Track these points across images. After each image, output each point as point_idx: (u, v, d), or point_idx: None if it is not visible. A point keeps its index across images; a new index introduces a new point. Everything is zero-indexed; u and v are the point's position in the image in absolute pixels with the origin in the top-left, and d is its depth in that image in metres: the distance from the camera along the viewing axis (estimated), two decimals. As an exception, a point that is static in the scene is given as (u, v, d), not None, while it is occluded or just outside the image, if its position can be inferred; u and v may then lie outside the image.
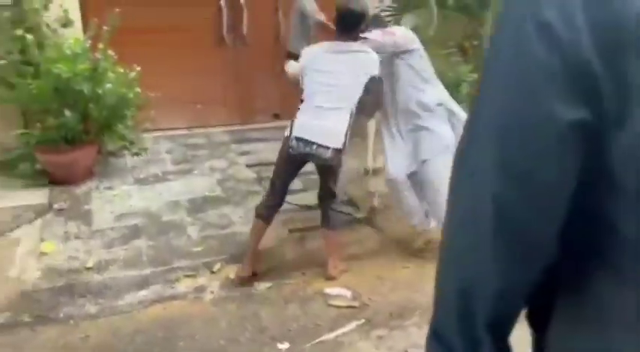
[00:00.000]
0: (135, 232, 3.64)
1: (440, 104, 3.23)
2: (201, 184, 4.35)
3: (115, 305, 2.98)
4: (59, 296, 3.03)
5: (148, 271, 3.25)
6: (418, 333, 2.68)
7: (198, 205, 4.02)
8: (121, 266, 3.29)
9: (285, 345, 2.61)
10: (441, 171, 3.02)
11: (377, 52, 3.04)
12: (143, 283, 3.15)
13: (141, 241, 3.54)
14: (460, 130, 0.73)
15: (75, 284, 3.13)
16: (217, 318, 2.86)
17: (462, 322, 0.66)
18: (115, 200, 4.03)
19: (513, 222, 0.61)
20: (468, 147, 0.65)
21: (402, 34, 3.26)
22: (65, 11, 4.33)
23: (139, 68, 4.30)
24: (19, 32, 4.02)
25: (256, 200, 3.53)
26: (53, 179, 4.16)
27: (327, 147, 2.93)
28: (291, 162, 3.07)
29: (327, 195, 3.19)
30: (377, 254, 3.48)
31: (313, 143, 2.92)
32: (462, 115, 3.22)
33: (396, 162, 3.32)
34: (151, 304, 2.98)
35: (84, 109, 4.07)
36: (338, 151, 2.96)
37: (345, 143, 2.97)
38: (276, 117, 5.75)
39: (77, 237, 3.56)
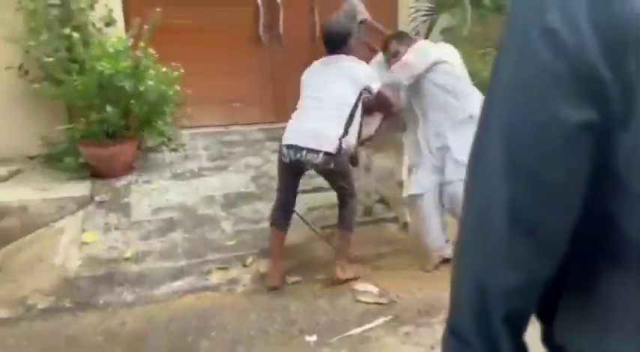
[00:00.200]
0: (171, 225, 3.76)
1: (471, 116, 3.02)
2: (235, 180, 4.44)
3: (150, 294, 3.10)
4: (99, 284, 3.17)
5: (182, 263, 3.36)
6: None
7: (232, 200, 4.12)
8: (157, 258, 3.41)
9: (313, 338, 2.67)
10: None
11: (396, 85, 3.24)
12: (178, 274, 3.26)
13: (176, 234, 3.66)
14: None
15: (114, 273, 3.26)
16: (248, 310, 2.94)
17: (479, 320, 0.68)
18: (152, 194, 4.17)
19: (527, 222, 0.63)
20: (480, 150, 0.67)
21: (416, 59, 3.16)
22: (110, 10, 4.50)
23: (182, 70, 4.41)
24: (67, 31, 4.19)
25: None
26: (95, 172, 4.32)
27: (317, 152, 2.93)
28: (286, 169, 3.12)
29: (342, 195, 3.16)
30: (406, 252, 3.50)
31: (302, 149, 2.95)
32: None
33: (423, 177, 3.25)
34: (185, 294, 3.09)
35: (125, 105, 4.22)
36: (330, 155, 2.93)
37: (340, 147, 2.94)
38: (311, 115, 5.81)
39: (116, 229, 3.71)
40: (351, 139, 3.05)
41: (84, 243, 3.54)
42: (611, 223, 0.62)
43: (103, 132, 4.21)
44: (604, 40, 0.56)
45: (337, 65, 3.13)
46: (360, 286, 3.11)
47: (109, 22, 4.50)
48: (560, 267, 0.66)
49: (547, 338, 0.74)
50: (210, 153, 4.99)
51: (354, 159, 3.23)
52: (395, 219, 3.90)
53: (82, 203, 3.97)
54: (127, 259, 3.38)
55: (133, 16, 4.58)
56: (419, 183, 3.27)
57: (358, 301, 3.00)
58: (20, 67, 4.43)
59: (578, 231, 0.64)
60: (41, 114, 4.54)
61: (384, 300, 3.00)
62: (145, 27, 4.28)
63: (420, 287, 3.13)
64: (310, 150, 2.95)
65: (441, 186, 3.19)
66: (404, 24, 5.44)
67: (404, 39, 3.39)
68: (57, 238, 3.60)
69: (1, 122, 4.54)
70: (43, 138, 4.50)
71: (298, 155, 2.97)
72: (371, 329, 2.76)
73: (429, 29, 5.17)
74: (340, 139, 2.96)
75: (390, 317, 2.86)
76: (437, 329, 2.73)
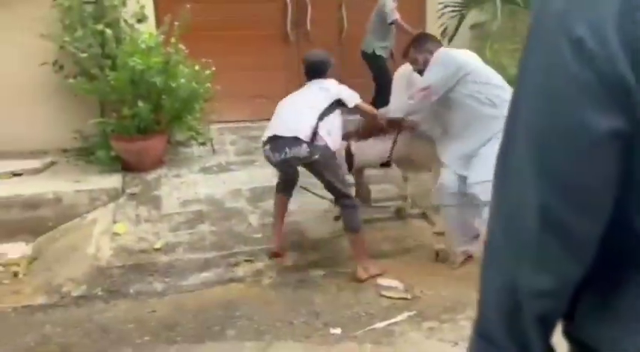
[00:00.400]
0: (199, 217, 3.84)
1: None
2: (262, 175, 4.49)
3: (179, 284, 3.17)
4: (130, 273, 3.27)
5: (210, 254, 3.43)
6: (470, 327, 2.70)
7: (258, 194, 4.18)
8: (186, 249, 3.49)
9: (337, 330, 2.70)
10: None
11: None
12: (206, 265, 3.33)
13: (205, 226, 3.74)
14: None
15: (144, 263, 3.35)
16: (273, 301, 2.99)
17: (510, 323, 0.69)
18: (182, 187, 4.25)
19: (557, 225, 0.64)
20: (509, 154, 0.68)
21: (437, 81, 3.05)
22: (141, 7, 4.60)
23: (213, 67, 4.48)
24: (100, 27, 4.30)
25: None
26: (126, 165, 4.43)
27: (298, 142, 3.03)
28: (279, 169, 3.31)
29: (337, 197, 3.20)
30: (431, 248, 3.51)
31: (284, 146, 3.06)
32: None
33: (449, 172, 3.17)
34: (212, 285, 3.16)
35: (156, 101, 4.31)
36: (311, 145, 3.03)
37: (315, 136, 3.04)
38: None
39: (147, 220, 3.80)
40: (329, 138, 3.11)
41: (115, 234, 3.64)
42: (633, 230, 0.64)
43: (135, 126, 4.31)
44: (630, 50, 0.58)
45: (312, 84, 3.31)
46: (384, 281, 3.13)
47: (141, 19, 4.61)
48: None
49: (567, 332, 0.75)
50: (238, 148, 5.06)
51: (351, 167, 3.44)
52: (422, 216, 3.91)
53: (114, 195, 4.08)
54: (156, 250, 3.47)
55: (163, 12, 4.68)
56: (443, 181, 3.22)
57: (382, 296, 3.02)
58: (55, 62, 4.57)
59: (604, 236, 0.65)
60: (75, 108, 4.67)
61: (408, 296, 3.02)
62: (176, 23, 4.36)
63: (445, 284, 3.13)
64: (291, 144, 3.06)
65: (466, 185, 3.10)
66: (432, 20, 5.43)
67: (423, 46, 3.23)
68: (89, 229, 3.71)
69: (36, 116, 4.68)
70: (76, 132, 4.63)
71: (283, 154, 3.09)
72: (395, 323, 2.78)
73: (458, 25, 5.14)
74: (313, 129, 3.05)
75: (415, 312, 2.87)
76: (461, 326, 2.74)
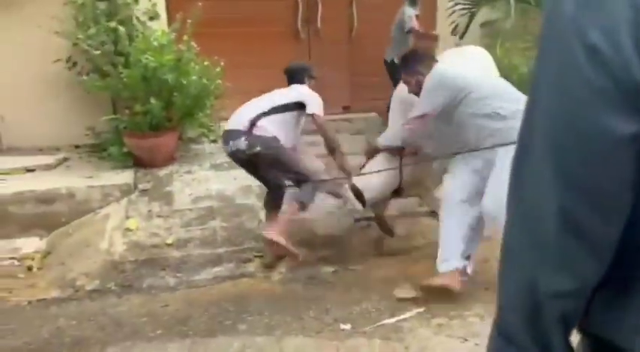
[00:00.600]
0: (211, 213, 3.87)
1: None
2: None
3: (191, 279, 3.22)
4: (142, 268, 3.31)
5: (221, 250, 3.47)
6: (479, 323, 2.72)
7: (269, 191, 4.20)
8: (197, 245, 3.53)
9: (347, 326, 2.73)
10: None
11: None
12: (217, 261, 3.37)
13: (216, 222, 3.77)
14: None
15: (156, 258, 3.40)
16: (284, 297, 3.03)
17: (533, 322, 0.70)
18: (193, 183, 4.29)
19: (578, 227, 0.65)
20: (526, 158, 0.68)
21: (434, 108, 2.86)
22: (154, 4, 4.64)
23: (222, 63, 4.51)
24: (113, 24, 4.35)
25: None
26: (138, 162, 4.48)
27: (238, 134, 3.14)
28: (241, 165, 3.36)
29: (297, 182, 3.28)
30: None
31: (229, 138, 3.18)
32: None
33: (455, 183, 2.97)
34: (223, 280, 3.20)
35: (168, 98, 4.35)
36: (250, 137, 3.11)
37: (252, 126, 3.12)
38: (346, 109, 5.86)
39: (159, 216, 3.84)
40: (280, 132, 3.18)
41: (128, 229, 3.68)
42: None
43: (147, 123, 4.35)
44: None
45: (288, 88, 3.43)
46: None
47: (153, 16, 4.65)
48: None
49: (582, 327, 0.76)
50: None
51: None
52: (431, 214, 3.92)
53: (126, 191, 4.12)
54: (168, 245, 3.51)
55: (175, 10, 4.71)
56: (448, 190, 3.01)
57: (395, 297, 3.01)
58: (68, 59, 4.63)
59: (621, 235, 0.66)
60: (87, 105, 4.72)
61: (419, 294, 3.01)
62: (189, 21, 4.39)
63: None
64: (234, 136, 3.18)
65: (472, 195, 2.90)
66: (442, 18, 5.43)
67: (411, 68, 3.02)
68: (102, 224, 3.76)
69: (49, 112, 4.74)
70: (88, 129, 4.68)
71: (229, 148, 3.22)
72: (404, 319, 2.80)
73: (468, 23, 5.14)
74: (252, 120, 3.15)
75: (424, 308, 2.89)
76: (470, 322, 2.76)
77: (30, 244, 3.69)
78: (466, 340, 2.59)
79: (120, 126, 4.48)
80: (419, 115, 2.91)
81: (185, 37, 4.39)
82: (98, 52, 4.34)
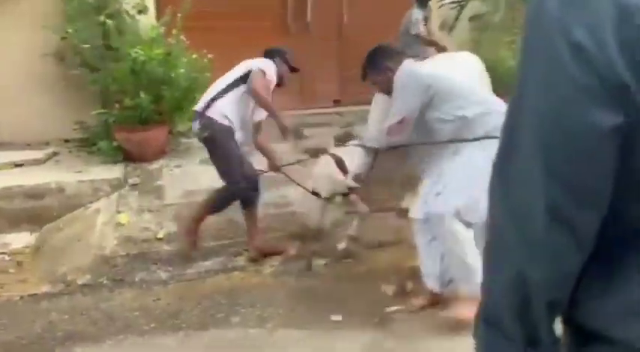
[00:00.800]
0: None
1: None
2: (262, 164, 4.53)
3: (182, 273, 3.24)
4: (133, 262, 3.32)
5: (212, 244, 3.48)
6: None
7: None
8: (188, 239, 3.53)
9: (338, 317, 2.76)
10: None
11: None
12: (208, 254, 3.39)
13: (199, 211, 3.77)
14: None
15: (147, 252, 3.41)
16: (275, 290, 3.05)
17: (521, 312, 0.72)
18: (183, 177, 4.29)
19: (565, 220, 0.68)
20: (513, 158, 0.70)
21: (410, 109, 2.60)
22: (142, -1, 4.62)
23: (210, 55, 4.51)
24: (101, 18, 4.32)
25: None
26: (128, 156, 4.47)
27: (195, 113, 3.16)
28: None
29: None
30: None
31: (193, 119, 3.20)
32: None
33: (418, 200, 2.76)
34: (215, 274, 3.22)
35: (157, 91, 4.34)
36: (203, 119, 3.11)
37: (206, 108, 3.11)
38: (337, 102, 5.88)
39: (149, 210, 3.84)
40: (233, 115, 3.14)
41: (118, 224, 3.68)
42: (629, 217, 0.69)
43: (136, 117, 4.34)
44: (630, 55, 0.61)
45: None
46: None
47: (142, 10, 4.63)
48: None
49: (567, 319, 0.79)
50: (238, 138, 5.08)
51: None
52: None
53: (116, 185, 4.11)
54: (159, 239, 3.52)
55: (164, 3, 4.69)
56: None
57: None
58: (56, 53, 4.59)
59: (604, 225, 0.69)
60: (76, 99, 4.69)
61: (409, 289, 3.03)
62: (178, 15, 4.38)
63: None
64: (194, 117, 3.18)
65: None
66: (432, 11, 5.44)
67: (379, 64, 2.75)
68: (93, 219, 3.75)
69: (37, 107, 4.71)
70: (78, 123, 4.66)
71: (193, 128, 3.23)
72: (395, 311, 2.83)
73: (457, 16, 5.17)
74: (207, 102, 3.14)
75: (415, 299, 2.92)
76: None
77: (20, 239, 3.66)
78: (458, 332, 2.62)
79: (109, 120, 4.46)
80: (398, 121, 2.62)
81: (174, 31, 4.38)
82: (87, 47, 4.31)
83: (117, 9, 4.51)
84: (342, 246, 3.37)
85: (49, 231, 3.72)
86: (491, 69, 3.30)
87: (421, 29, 5.12)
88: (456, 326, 2.60)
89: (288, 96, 5.79)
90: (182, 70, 4.28)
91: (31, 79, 4.68)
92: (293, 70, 3.45)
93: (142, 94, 4.21)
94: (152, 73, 4.21)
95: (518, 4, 4.92)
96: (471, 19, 5.51)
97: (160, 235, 3.55)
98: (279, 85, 3.32)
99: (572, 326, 0.78)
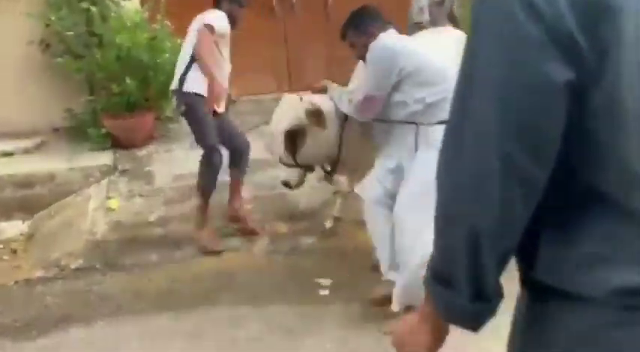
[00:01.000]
0: (191, 191, 3.90)
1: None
2: (251, 148, 4.56)
3: (174, 255, 3.28)
4: (125, 246, 3.36)
5: (203, 226, 3.52)
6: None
7: (248, 168, 4.24)
8: (179, 222, 3.58)
9: (326, 292, 2.83)
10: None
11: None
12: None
13: (196, 200, 3.81)
14: None
15: (139, 236, 3.45)
16: (266, 269, 3.11)
17: (470, 265, 0.76)
18: (172, 162, 4.32)
19: (520, 173, 0.71)
20: (466, 118, 0.74)
21: (380, 86, 2.37)
22: (125, -16, 4.59)
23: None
24: (85, 5, 4.31)
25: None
26: (117, 142, 4.49)
27: (172, 92, 3.26)
28: None
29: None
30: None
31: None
32: None
33: (377, 184, 2.56)
34: (206, 255, 3.26)
35: (143, 77, 4.35)
36: (179, 95, 3.17)
37: (182, 84, 3.13)
38: (324, 85, 5.88)
39: (140, 195, 3.88)
40: (196, 83, 3.12)
41: (109, 209, 3.72)
42: (577, 176, 0.73)
43: (124, 103, 4.35)
44: (579, 10, 0.66)
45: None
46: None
47: (126, -4, 4.60)
48: (535, 213, 0.76)
49: (526, 279, 0.83)
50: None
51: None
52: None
53: (106, 172, 4.15)
54: (150, 223, 3.56)
55: (147, -12, 4.67)
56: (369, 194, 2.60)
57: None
58: (41, 41, 4.57)
59: (555, 183, 0.74)
60: (63, 87, 4.70)
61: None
62: (162, 0, 4.37)
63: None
64: (173, 97, 3.28)
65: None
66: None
67: (363, 26, 2.53)
68: (84, 205, 3.79)
69: (25, 96, 4.71)
70: (66, 111, 4.67)
71: (174, 107, 3.31)
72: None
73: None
74: (181, 75, 3.16)
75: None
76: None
77: (13, 228, 3.72)
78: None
79: (97, 107, 4.47)
80: (366, 97, 2.42)
81: (159, 16, 4.37)
82: (71, 34, 4.30)
83: (100, -5, 4.49)
84: (328, 224, 3.43)
85: (41, 219, 3.77)
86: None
87: (425, 17, 4.77)
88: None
89: (275, 80, 5.84)
90: (167, 55, 4.28)
91: (16, 67, 4.68)
92: (242, 5, 3.32)
93: (128, 80, 4.22)
94: (138, 58, 4.22)
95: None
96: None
97: (151, 219, 3.60)
98: (234, 26, 3.27)
99: (529, 284, 0.82)
